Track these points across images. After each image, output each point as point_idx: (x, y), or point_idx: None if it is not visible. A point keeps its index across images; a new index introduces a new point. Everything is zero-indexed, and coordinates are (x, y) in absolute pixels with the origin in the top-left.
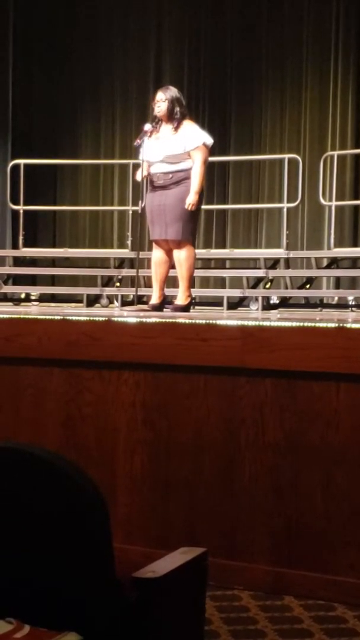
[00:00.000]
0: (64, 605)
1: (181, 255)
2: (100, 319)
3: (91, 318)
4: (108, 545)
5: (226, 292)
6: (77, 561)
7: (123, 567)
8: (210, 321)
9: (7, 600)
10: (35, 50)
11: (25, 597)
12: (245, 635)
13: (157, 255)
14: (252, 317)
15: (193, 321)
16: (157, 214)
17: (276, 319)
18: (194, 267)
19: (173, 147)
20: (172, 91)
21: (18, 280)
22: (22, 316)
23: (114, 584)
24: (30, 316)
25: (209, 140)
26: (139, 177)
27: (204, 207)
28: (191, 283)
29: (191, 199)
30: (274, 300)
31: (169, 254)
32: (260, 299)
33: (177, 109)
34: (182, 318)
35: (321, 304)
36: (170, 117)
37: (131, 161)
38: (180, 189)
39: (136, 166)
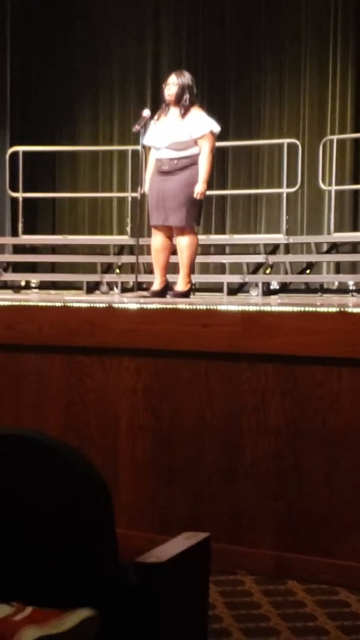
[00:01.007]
0: (68, 590)
1: (183, 242)
2: (101, 305)
3: (91, 305)
4: (111, 531)
5: (226, 278)
6: (80, 547)
7: (126, 552)
8: (211, 307)
9: (11, 585)
10: (33, 38)
11: (29, 582)
12: (248, 620)
13: (157, 241)
14: (253, 302)
15: (193, 307)
16: (161, 199)
17: (276, 305)
18: (195, 254)
19: (179, 134)
20: (186, 78)
21: (18, 267)
22: (22, 304)
23: (117, 570)
24: (30, 304)
25: (216, 128)
26: (146, 189)
27: None
28: (192, 269)
29: (200, 188)
30: (274, 285)
31: (169, 239)
32: (260, 284)
33: (187, 96)
34: (182, 304)
35: (321, 289)
36: (177, 102)
37: (130, 147)
38: (185, 174)
39: (135, 153)
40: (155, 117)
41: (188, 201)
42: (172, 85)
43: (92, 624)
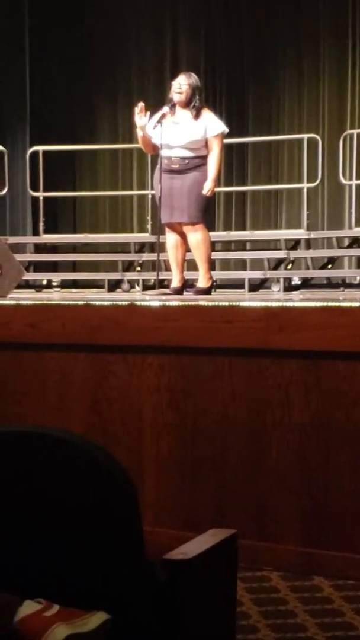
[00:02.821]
0: (95, 587)
1: (197, 238)
2: (124, 303)
3: (114, 303)
4: (138, 528)
5: (247, 274)
6: (107, 544)
7: (153, 549)
8: (234, 303)
9: (38, 583)
10: (51, 37)
11: (56, 579)
12: (276, 616)
13: (172, 239)
14: (275, 298)
15: (216, 303)
16: (173, 197)
17: (299, 300)
18: (210, 249)
19: (194, 133)
20: (194, 79)
21: (39, 267)
22: (45, 302)
23: (144, 566)
24: (54, 302)
25: (227, 130)
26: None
27: (223, 189)
28: (211, 265)
29: (209, 185)
30: (296, 281)
31: (182, 236)
32: (281, 280)
33: (197, 97)
34: (204, 301)
35: (343, 284)
36: (188, 103)
37: None
38: (197, 173)
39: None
40: (164, 117)
41: (198, 198)
42: (182, 85)
43: (108, 628)
